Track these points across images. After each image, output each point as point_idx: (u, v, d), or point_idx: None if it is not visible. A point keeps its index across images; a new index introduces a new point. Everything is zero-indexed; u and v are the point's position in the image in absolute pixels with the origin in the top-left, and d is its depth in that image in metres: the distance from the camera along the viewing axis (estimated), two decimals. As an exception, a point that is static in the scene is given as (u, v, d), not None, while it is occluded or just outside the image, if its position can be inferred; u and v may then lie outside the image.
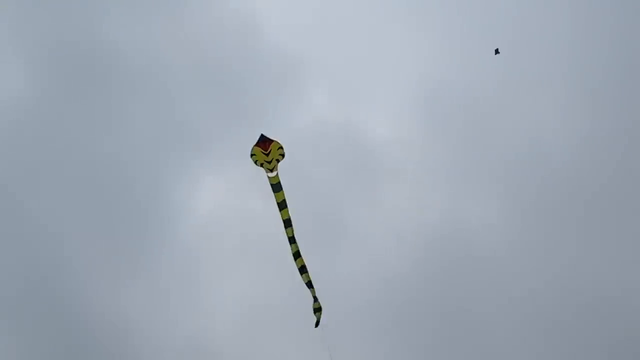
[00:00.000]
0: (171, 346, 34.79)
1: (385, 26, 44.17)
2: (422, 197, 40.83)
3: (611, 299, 35.70)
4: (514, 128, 42.17)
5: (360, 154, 42.39)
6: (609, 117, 40.65)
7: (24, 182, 37.70)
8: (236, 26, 43.14)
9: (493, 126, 42.62)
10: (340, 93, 44.50)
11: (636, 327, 34.65)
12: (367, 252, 38.77)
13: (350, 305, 34.39)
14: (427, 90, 42.94)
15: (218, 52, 43.28)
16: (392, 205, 40.72)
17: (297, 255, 18.23)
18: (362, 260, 38.13)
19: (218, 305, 36.70)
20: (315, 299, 18.87)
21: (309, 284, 18.56)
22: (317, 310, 19.03)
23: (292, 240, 18.00)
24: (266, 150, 16.52)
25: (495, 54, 27.27)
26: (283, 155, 16.73)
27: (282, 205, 17.50)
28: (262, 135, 16.60)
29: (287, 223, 17.75)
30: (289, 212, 17.69)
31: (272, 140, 16.55)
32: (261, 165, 16.74)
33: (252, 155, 16.68)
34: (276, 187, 17.22)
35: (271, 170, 16.83)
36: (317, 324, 19.13)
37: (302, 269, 18.37)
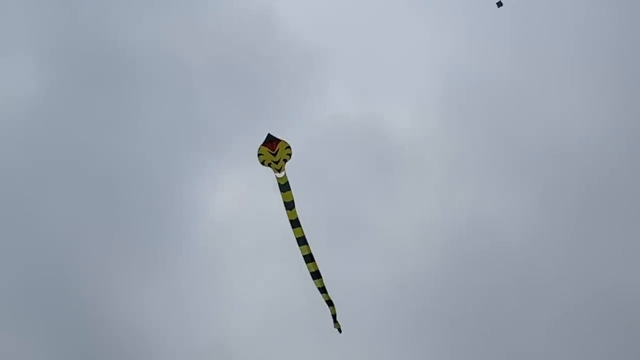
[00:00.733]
0: (189, 349, 34.47)
1: (405, 17, 43.44)
2: (446, 192, 40.22)
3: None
4: (540, 120, 41.24)
5: (381, 148, 41.66)
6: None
7: (39, 181, 37.70)
8: (253, 19, 42.57)
9: (518, 118, 41.79)
10: (360, 87, 43.58)
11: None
12: (389, 249, 38.07)
13: (371, 305, 34.15)
14: (450, 82, 42.12)
15: (234, 47, 42.80)
16: (415, 201, 40.08)
17: (308, 258, 17.32)
18: (384, 257, 37.52)
19: (236, 306, 36.14)
20: (330, 303, 18.15)
21: (323, 289, 17.63)
22: (334, 316, 18.39)
23: (301, 241, 17.26)
24: (273, 150, 16.02)
25: (499, 6, 25.17)
26: (290, 155, 16.15)
27: (289, 206, 16.86)
28: (269, 135, 16.05)
29: (295, 223, 17.06)
30: (297, 213, 17.00)
31: (279, 140, 16.00)
32: (269, 165, 16.22)
33: (259, 155, 16.14)
34: (284, 187, 16.62)
35: (279, 171, 16.31)
36: (339, 330, 18.66)
37: (315, 274, 17.45)
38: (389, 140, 41.79)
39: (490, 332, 35.54)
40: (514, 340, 35.37)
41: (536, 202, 39.41)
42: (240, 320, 35.56)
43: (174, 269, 36.79)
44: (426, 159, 41.43)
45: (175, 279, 36.49)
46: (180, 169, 40.49)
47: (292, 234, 17.19)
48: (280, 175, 16.41)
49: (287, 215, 16.97)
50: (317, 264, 17.44)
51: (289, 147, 16.04)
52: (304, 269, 17.40)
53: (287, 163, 16.25)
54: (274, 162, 16.13)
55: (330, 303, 18.18)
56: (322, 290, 17.76)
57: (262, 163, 16.18)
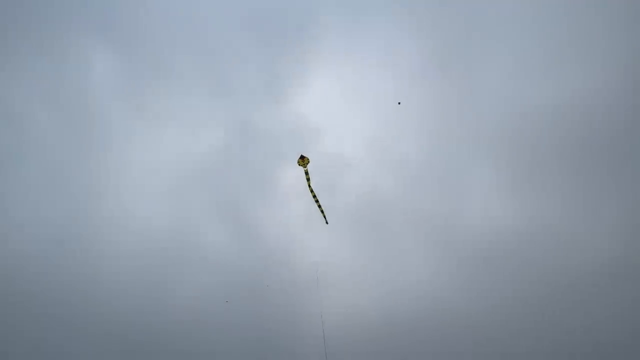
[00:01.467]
0: None
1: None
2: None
3: None
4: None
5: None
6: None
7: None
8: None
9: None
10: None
11: None
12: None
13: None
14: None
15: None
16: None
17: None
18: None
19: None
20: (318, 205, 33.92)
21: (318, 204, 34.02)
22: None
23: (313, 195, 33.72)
24: (303, 161, 33.36)
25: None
26: (308, 162, 33.46)
27: (309, 184, 33.62)
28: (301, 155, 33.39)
29: (312, 191, 33.89)
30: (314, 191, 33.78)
31: (304, 157, 33.41)
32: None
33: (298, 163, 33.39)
34: (307, 176, 33.58)
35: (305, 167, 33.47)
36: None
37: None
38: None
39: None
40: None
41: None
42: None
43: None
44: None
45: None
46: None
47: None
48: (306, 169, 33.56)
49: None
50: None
51: (309, 161, 33.37)
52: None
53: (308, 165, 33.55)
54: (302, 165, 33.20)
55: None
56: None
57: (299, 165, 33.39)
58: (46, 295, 40.63)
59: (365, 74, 45.55)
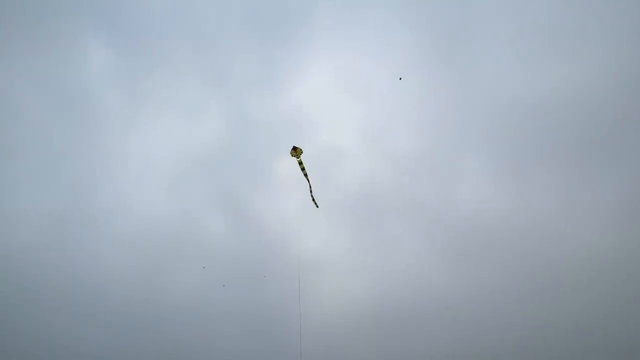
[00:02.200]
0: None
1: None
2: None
3: None
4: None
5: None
6: None
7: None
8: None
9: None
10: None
11: None
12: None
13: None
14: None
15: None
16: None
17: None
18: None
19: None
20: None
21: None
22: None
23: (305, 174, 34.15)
24: (296, 152, 33.33)
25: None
26: (301, 152, 33.43)
27: (305, 175, 34.00)
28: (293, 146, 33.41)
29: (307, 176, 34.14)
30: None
31: (297, 148, 33.38)
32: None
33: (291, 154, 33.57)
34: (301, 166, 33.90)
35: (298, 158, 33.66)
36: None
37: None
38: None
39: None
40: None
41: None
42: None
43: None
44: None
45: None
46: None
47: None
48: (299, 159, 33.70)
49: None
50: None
51: (302, 151, 33.34)
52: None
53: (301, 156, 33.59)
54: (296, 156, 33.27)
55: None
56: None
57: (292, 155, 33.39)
58: (47, 283, 41.42)
59: (360, 64, 46.19)
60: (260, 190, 45.70)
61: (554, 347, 38.73)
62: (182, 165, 45.99)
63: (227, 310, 43.21)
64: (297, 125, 44.79)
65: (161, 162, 45.98)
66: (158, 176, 45.83)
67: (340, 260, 44.30)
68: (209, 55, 46.08)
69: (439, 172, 44.89)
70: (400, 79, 41.01)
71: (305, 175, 33.89)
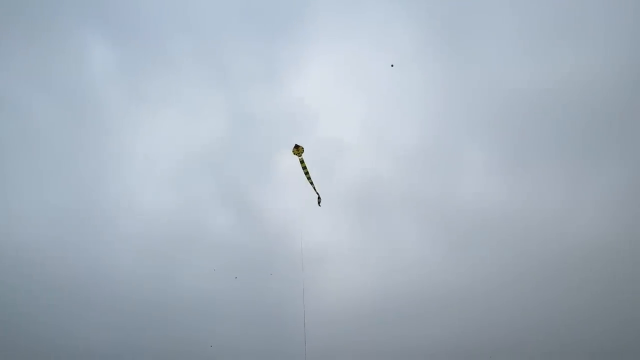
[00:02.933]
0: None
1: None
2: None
3: None
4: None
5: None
6: None
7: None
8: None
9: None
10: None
11: None
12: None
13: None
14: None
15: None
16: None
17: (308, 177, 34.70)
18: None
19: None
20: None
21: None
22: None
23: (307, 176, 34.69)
24: (297, 150, 34.05)
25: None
26: (303, 151, 34.21)
27: (306, 173, 34.64)
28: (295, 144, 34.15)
29: (308, 176, 34.60)
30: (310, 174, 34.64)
31: (299, 146, 34.11)
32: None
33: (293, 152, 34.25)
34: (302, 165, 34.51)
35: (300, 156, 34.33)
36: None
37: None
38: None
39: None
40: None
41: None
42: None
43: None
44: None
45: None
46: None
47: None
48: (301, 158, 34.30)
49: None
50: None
51: (303, 150, 34.19)
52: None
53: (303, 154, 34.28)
54: (297, 154, 33.95)
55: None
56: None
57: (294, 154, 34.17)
58: (53, 281, 42.32)
59: (361, 56, 45.93)
60: (263, 184, 46.13)
61: (557, 340, 39.22)
62: (185, 161, 46.46)
63: (234, 301, 44.03)
64: (299, 119, 44.95)
65: (165, 159, 46.44)
66: (162, 173, 46.35)
67: (344, 253, 44.88)
68: (209, 51, 46.05)
69: (443, 165, 44.97)
70: (392, 65, 40.60)
71: (308, 177, 34.31)
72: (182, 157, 46.58)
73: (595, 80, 41.37)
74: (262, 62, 46.21)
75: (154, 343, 41.66)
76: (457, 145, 45.09)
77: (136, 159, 46.51)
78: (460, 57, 44.52)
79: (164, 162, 46.68)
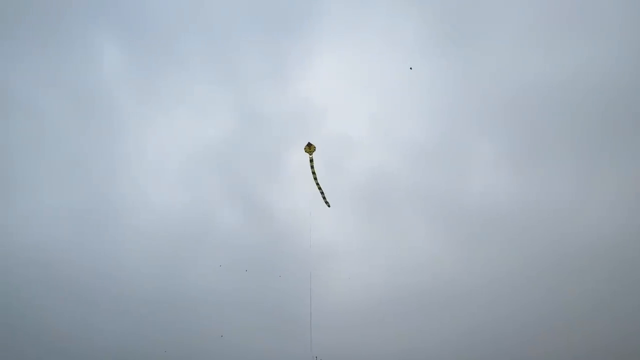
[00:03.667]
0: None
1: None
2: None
3: None
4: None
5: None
6: None
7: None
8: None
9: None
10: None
11: None
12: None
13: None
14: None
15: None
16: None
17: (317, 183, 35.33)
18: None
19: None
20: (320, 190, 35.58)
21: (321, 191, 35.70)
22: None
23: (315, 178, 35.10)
24: (310, 148, 34.31)
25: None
26: (314, 150, 34.51)
27: (313, 171, 34.87)
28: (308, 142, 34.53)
29: (315, 176, 34.73)
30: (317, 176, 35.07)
31: (311, 145, 34.46)
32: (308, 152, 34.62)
33: (305, 150, 34.52)
34: (312, 164, 34.65)
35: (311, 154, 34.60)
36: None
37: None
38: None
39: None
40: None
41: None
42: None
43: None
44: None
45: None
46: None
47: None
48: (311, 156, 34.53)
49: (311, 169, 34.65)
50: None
51: (315, 148, 34.35)
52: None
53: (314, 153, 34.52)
54: (309, 152, 34.23)
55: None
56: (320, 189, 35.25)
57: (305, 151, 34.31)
58: (71, 275, 43.01)
59: (370, 53, 45.83)
60: (273, 181, 46.32)
61: (566, 339, 38.40)
62: (195, 160, 46.95)
63: (243, 295, 44.13)
64: (307, 116, 45.02)
65: (176, 158, 47.00)
66: (172, 172, 46.94)
67: (352, 251, 44.73)
68: (219, 50, 46.52)
69: (452, 161, 44.53)
70: (410, 68, 40.40)
71: (315, 178, 34.32)
72: (191, 156, 47.13)
73: (609, 73, 40.37)
74: (270, 61, 46.52)
75: (165, 333, 41.98)
76: (466, 141, 44.65)
77: (147, 159, 47.23)
78: (469, 51, 44.01)
79: (174, 162, 47.24)
